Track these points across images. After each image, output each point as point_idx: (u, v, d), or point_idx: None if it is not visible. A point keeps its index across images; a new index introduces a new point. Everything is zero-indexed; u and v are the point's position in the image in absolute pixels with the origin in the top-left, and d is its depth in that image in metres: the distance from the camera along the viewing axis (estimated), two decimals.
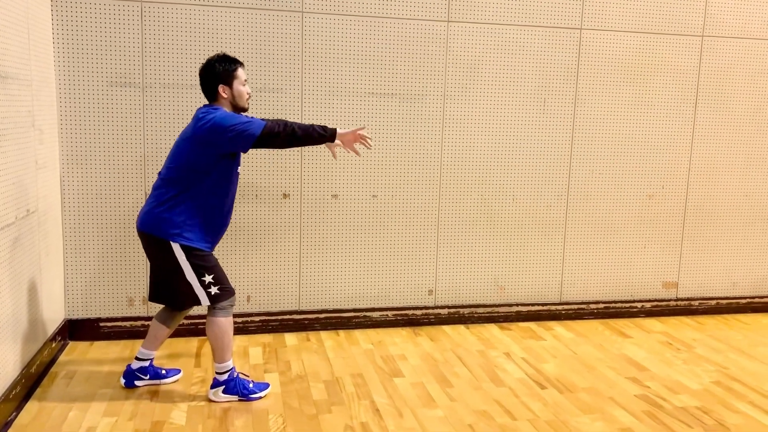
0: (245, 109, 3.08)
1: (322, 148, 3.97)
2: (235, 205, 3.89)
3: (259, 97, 3.85)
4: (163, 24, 3.69)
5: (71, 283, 3.79)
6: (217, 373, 3.11)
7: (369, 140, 3.19)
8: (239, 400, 3.11)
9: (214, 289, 3.01)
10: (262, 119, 2.97)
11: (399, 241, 4.18)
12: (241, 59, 3.77)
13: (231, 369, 3.11)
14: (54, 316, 3.61)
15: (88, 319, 3.83)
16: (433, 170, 4.16)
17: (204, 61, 3.06)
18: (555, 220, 4.39)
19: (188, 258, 2.96)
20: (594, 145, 4.37)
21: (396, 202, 4.14)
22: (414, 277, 4.24)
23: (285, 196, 3.98)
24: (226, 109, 3.02)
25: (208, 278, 2.99)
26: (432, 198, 4.19)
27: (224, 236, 3.89)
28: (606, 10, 4.22)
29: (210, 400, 3.11)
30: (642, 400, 3.27)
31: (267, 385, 3.22)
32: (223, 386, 3.09)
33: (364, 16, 3.91)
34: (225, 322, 3.05)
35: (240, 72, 3.03)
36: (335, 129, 3.05)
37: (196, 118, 2.96)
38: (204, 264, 3.00)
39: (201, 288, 2.99)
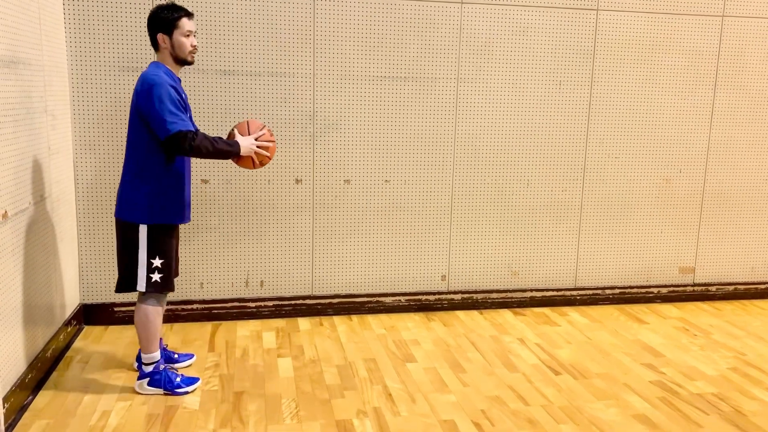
0: (188, 63, 2.94)
1: (333, 134, 3.94)
2: (247, 190, 3.89)
3: (271, 81, 3.83)
4: None
5: (86, 268, 3.82)
6: (143, 363, 3.02)
7: (267, 149, 3.02)
8: (164, 394, 3.01)
9: (156, 276, 2.92)
10: (191, 129, 2.82)
11: (412, 226, 4.16)
12: (252, 43, 3.76)
13: (157, 361, 3.02)
14: (69, 301, 3.63)
15: (103, 304, 3.86)
16: (447, 154, 4.12)
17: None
18: (570, 204, 4.34)
19: (149, 235, 2.88)
20: (610, 128, 4.30)
21: (409, 187, 4.11)
22: (427, 262, 4.22)
23: (297, 181, 3.96)
24: (168, 62, 2.91)
25: (157, 262, 2.91)
26: (445, 182, 4.15)
27: (236, 221, 3.90)
28: None
29: (136, 392, 3.03)
30: (657, 386, 3.24)
31: (196, 380, 3.10)
32: (148, 378, 3.01)
33: None
34: (153, 311, 2.98)
35: (183, 22, 2.87)
36: (238, 144, 2.94)
37: (135, 91, 2.84)
38: (161, 246, 2.91)
39: (145, 270, 2.90)
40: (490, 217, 4.25)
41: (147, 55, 3.66)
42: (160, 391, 3.01)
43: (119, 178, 3.73)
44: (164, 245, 2.95)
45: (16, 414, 2.78)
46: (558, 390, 3.17)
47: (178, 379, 3.04)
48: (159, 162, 2.87)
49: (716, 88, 4.39)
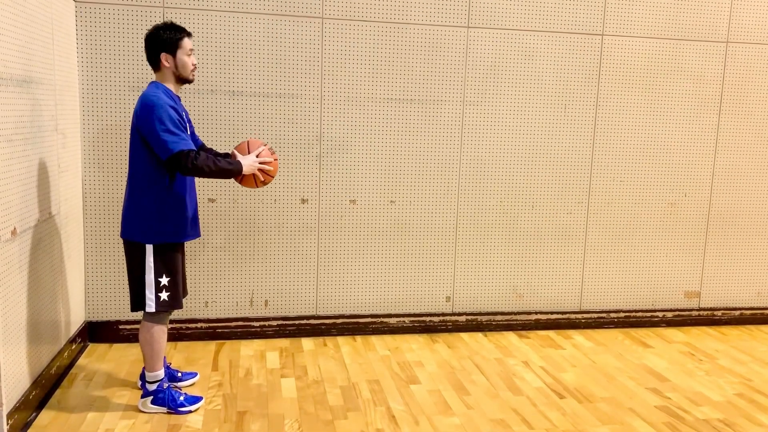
0: (189, 81, 2.99)
1: (339, 155, 3.97)
2: (253, 209, 3.91)
3: (279, 102, 3.87)
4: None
5: (92, 286, 3.83)
6: (147, 382, 3.04)
7: (269, 166, 3.05)
8: (168, 413, 3.01)
9: (164, 295, 2.94)
10: (193, 149, 2.84)
11: (417, 247, 4.17)
12: (261, 65, 3.80)
13: (160, 380, 3.04)
14: (74, 318, 3.64)
15: (108, 322, 3.87)
16: (452, 176, 4.14)
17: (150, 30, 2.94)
18: (575, 227, 4.35)
19: (155, 255, 2.90)
20: (615, 151, 4.32)
21: (414, 208, 4.13)
22: (432, 284, 4.22)
23: (303, 201, 3.99)
24: (169, 81, 2.94)
25: (164, 280, 2.93)
26: (450, 204, 4.17)
27: (242, 240, 3.91)
28: (628, 15, 4.18)
29: (139, 410, 3.03)
30: (663, 411, 3.22)
31: (200, 399, 3.11)
32: (152, 397, 3.02)
33: (384, 22, 3.91)
34: (158, 330, 2.99)
35: (185, 41, 2.92)
36: (240, 163, 2.97)
37: (135, 112, 2.86)
38: (167, 264, 2.94)
39: (153, 290, 2.92)
40: (495, 239, 4.26)
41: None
42: (164, 409, 3.01)
43: None
44: (170, 263, 2.96)
45: (19, 431, 2.78)
46: (562, 414, 3.15)
47: (182, 398, 3.04)
48: (159, 181, 2.89)
49: (721, 113, 4.41)
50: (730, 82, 4.39)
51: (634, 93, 4.28)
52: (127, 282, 3.81)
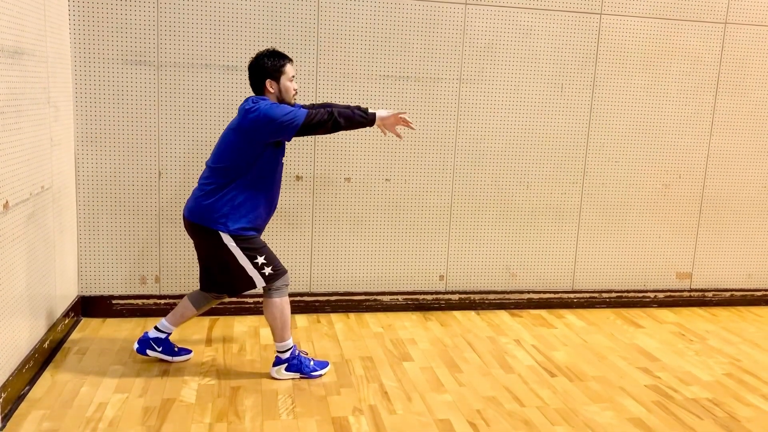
0: (291, 105, 3.10)
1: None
2: None
3: None
4: (179, 2, 3.67)
5: (85, 260, 3.82)
6: (278, 351, 3.17)
7: (411, 123, 3.25)
8: (301, 378, 3.17)
9: (267, 270, 3.06)
10: (307, 106, 3.05)
11: (411, 226, 4.17)
12: (257, 40, 3.77)
13: (292, 347, 3.17)
14: (67, 293, 3.64)
15: (101, 296, 3.86)
16: (447, 155, 4.13)
17: (253, 55, 3.10)
18: (569, 208, 4.35)
19: (237, 244, 3.01)
20: (611, 132, 4.31)
21: (409, 187, 4.12)
22: (425, 262, 4.23)
23: (298, 178, 3.97)
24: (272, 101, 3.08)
25: (260, 260, 3.04)
26: (445, 183, 4.16)
27: None
28: None
29: (272, 378, 3.17)
30: (653, 390, 3.25)
31: (327, 364, 3.28)
32: (285, 364, 3.16)
33: None
34: (282, 302, 3.11)
35: (288, 68, 3.07)
36: (375, 113, 3.10)
37: (243, 110, 2.99)
38: (253, 247, 3.04)
39: (255, 270, 3.04)
40: (489, 218, 4.26)
41: (151, 49, 3.67)
42: (297, 375, 3.17)
43: (120, 170, 3.75)
44: (256, 244, 3.06)
45: (12, 404, 2.78)
46: (553, 392, 3.18)
47: (312, 363, 3.22)
48: (245, 183, 3.00)
49: (717, 95, 4.40)
50: (727, 63, 4.37)
51: (631, 73, 4.26)
52: (121, 257, 3.82)
